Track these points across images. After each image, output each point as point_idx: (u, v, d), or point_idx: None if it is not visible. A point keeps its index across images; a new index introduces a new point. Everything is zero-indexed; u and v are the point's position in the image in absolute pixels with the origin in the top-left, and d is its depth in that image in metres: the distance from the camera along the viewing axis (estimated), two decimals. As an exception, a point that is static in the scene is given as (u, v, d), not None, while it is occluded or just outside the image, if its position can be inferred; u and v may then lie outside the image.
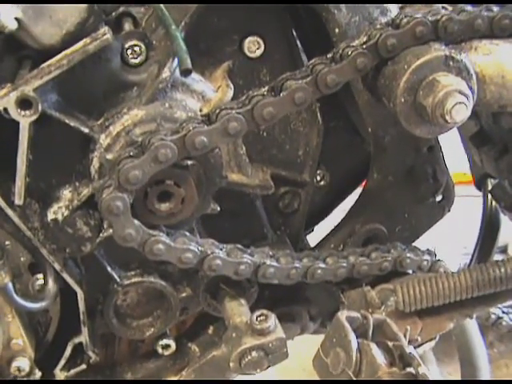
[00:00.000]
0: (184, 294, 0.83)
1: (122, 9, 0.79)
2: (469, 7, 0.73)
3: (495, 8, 0.73)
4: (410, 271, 0.87)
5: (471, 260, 1.21)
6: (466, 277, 0.81)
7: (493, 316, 0.99)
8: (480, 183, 1.15)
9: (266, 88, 0.69)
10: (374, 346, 0.71)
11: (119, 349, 0.92)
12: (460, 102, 0.65)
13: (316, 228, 0.98)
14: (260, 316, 0.75)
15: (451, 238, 1.86)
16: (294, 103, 0.68)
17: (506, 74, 0.72)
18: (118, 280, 0.80)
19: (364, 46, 0.69)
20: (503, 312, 1.00)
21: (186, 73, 0.70)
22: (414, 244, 0.90)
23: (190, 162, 0.71)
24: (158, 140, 0.67)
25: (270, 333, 0.74)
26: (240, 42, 0.79)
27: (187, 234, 0.74)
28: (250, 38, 0.79)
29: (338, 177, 0.90)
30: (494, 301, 0.85)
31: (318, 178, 0.90)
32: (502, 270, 0.81)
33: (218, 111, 0.69)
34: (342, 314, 0.74)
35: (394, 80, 0.68)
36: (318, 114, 0.83)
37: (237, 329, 0.76)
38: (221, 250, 0.75)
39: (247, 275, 0.77)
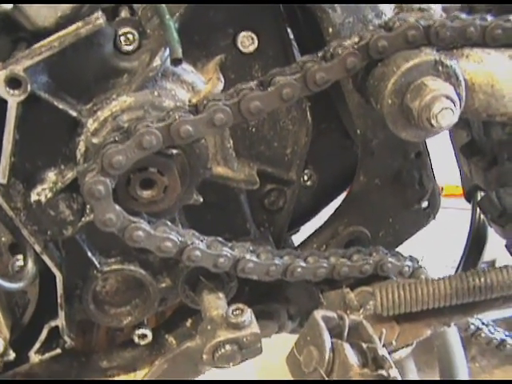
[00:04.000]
0: (163, 285, 0.83)
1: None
2: (463, 15, 0.74)
3: (489, 17, 0.73)
4: (391, 276, 0.87)
5: (456, 272, 1.21)
6: (446, 285, 0.81)
7: (472, 327, 0.98)
8: (469, 195, 1.14)
9: (255, 82, 0.69)
10: (347, 347, 0.71)
11: (97, 336, 0.92)
12: (446, 107, 0.65)
13: (304, 228, 0.98)
14: (236, 310, 0.75)
15: (442, 251, 1.86)
16: (282, 99, 0.68)
17: (495, 84, 0.72)
18: (98, 266, 0.80)
19: (355, 46, 0.69)
20: (483, 323, 1.00)
21: (176, 62, 0.70)
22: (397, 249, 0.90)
23: (174, 151, 0.71)
24: (143, 127, 0.67)
25: (244, 327, 0.74)
26: (234, 36, 0.79)
27: (169, 223, 0.74)
28: (244, 33, 0.79)
29: (326, 178, 0.90)
30: (472, 310, 0.85)
31: (306, 178, 0.90)
32: (482, 279, 0.81)
33: (205, 102, 0.69)
34: (318, 313, 0.74)
35: (382, 81, 0.68)
36: (308, 114, 0.83)
37: (212, 321, 0.75)
38: (201, 241, 0.75)
39: (226, 268, 0.77)
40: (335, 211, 0.89)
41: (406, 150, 0.85)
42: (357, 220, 0.88)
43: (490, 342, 1.00)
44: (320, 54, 0.70)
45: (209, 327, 0.75)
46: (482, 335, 0.98)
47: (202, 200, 0.75)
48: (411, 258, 0.88)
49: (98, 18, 0.69)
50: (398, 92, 0.67)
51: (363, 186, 0.86)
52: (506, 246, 1.06)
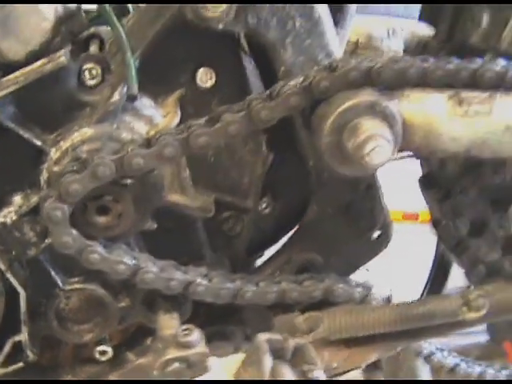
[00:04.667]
0: (123, 304, 0.88)
1: (92, 30, 0.85)
2: (406, 57, 0.79)
3: (431, 59, 0.78)
4: (342, 301, 0.91)
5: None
6: (390, 311, 0.85)
7: (425, 351, 1.02)
8: (435, 223, 1.19)
9: (205, 118, 0.75)
10: (287, 369, 0.76)
11: (63, 351, 0.97)
12: (379, 146, 0.70)
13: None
14: (185, 330, 0.79)
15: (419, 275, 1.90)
16: (228, 135, 0.73)
17: (432, 123, 0.77)
18: (61, 285, 0.85)
19: (299, 86, 0.74)
20: (437, 348, 1.04)
21: (131, 99, 0.76)
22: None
23: (129, 181, 0.76)
24: (98, 158, 0.73)
25: (192, 346, 0.78)
26: (193, 72, 0.84)
27: (124, 246, 0.80)
28: (202, 69, 0.84)
29: (284, 206, 0.95)
30: (418, 336, 0.89)
31: (264, 206, 0.95)
32: (424, 307, 0.85)
33: (157, 136, 0.74)
34: (263, 335, 0.79)
35: (323, 120, 0.73)
36: (264, 146, 0.88)
37: (164, 340, 0.80)
38: (154, 264, 0.80)
39: (178, 291, 0.82)
40: (289, 238, 0.93)
41: (356, 183, 0.89)
42: (310, 247, 0.92)
43: (442, 367, 1.04)
44: (267, 92, 0.75)
45: (160, 345, 0.80)
46: (435, 360, 1.02)
47: (156, 226, 0.80)
48: (363, 285, 0.92)
49: (61, 55, 0.75)
50: (336, 131, 0.72)
51: (316, 214, 0.91)
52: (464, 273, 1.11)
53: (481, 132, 0.78)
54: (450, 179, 0.99)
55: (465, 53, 0.90)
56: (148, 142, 0.74)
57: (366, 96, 0.73)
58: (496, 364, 1.08)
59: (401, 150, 0.79)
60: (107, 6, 0.83)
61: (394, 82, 0.75)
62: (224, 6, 0.76)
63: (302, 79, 0.75)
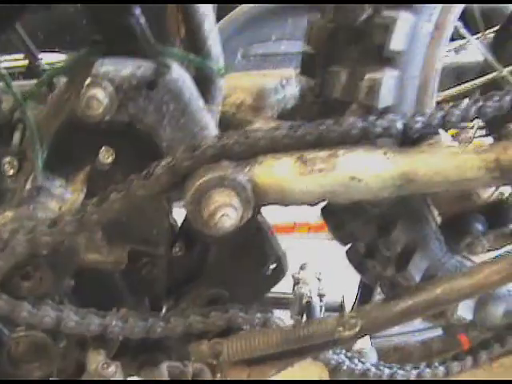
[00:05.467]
0: (62, 345, 1.11)
1: (16, 117, 1.08)
2: (259, 130, 0.98)
3: (278, 130, 0.98)
4: (244, 327, 1.12)
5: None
6: (277, 334, 1.06)
7: (332, 362, 1.21)
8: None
9: (96, 198, 0.96)
10: (184, 391, 0.98)
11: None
12: (226, 215, 0.90)
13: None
14: (104, 364, 1.02)
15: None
16: (115, 211, 0.95)
17: (283, 183, 0.96)
18: (8, 334, 1.09)
19: (167, 167, 0.94)
20: (346, 357, 1.23)
21: (39, 189, 0.98)
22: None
23: (44, 252, 0.98)
24: (14, 239, 0.95)
25: (111, 377, 1.01)
26: (96, 151, 1.05)
27: (50, 302, 1.02)
28: (104, 148, 1.05)
29: (193, 249, 1.16)
30: (307, 353, 1.09)
31: (177, 250, 1.16)
32: (306, 330, 1.05)
33: (60, 217, 0.96)
34: (165, 363, 1.01)
35: (186, 192, 0.94)
36: (165, 203, 1.09)
37: (89, 374, 1.03)
38: (76, 314, 1.03)
39: (97, 333, 1.04)
40: (198, 276, 1.15)
41: (245, 227, 1.09)
42: (215, 283, 1.13)
43: (352, 374, 1.24)
44: (144, 172, 0.96)
45: (86, 378, 1.03)
46: (344, 368, 1.22)
47: (73, 284, 1.02)
48: (263, 311, 1.13)
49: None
50: (195, 202, 0.92)
51: (216, 255, 1.12)
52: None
53: (328, 185, 0.97)
54: (337, 210, 1.18)
55: (333, 105, 1.10)
56: (54, 222, 0.96)
57: (219, 170, 0.93)
58: (407, 365, 1.27)
59: (262, 205, 1.00)
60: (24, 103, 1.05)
61: (246, 154, 0.95)
62: (105, 103, 0.97)
63: (169, 159, 0.95)
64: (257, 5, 1.74)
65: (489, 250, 1.14)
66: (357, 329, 1.05)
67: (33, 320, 1.00)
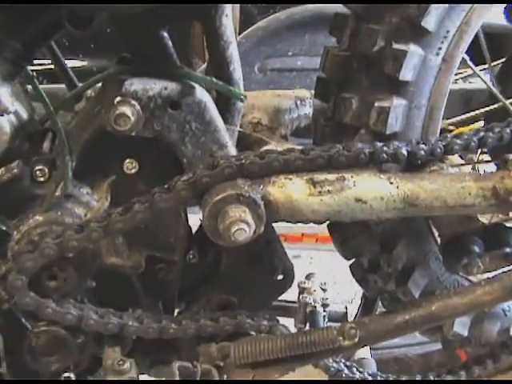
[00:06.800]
0: (79, 340, 1.25)
1: (47, 125, 1.22)
2: (273, 153, 1.12)
3: (292, 153, 1.12)
4: (251, 332, 1.26)
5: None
6: (281, 340, 1.20)
7: (332, 369, 1.35)
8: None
9: (121, 208, 1.11)
10: (195, 389, 1.12)
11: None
12: (240, 229, 1.05)
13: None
14: (120, 361, 1.17)
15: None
16: (138, 220, 1.09)
17: (293, 202, 1.10)
18: (31, 328, 1.24)
19: (187, 182, 1.09)
20: (345, 365, 1.37)
21: (67, 196, 1.12)
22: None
23: (70, 255, 1.13)
24: (44, 242, 1.10)
25: (125, 373, 1.16)
26: (121, 162, 1.20)
27: (72, 301, 1.17)
28: (128, 160, 1.20)
29: (205, 257, 1.31)
30: (309, 359, 1.23)
31: (191, 257, 1.30)
32: (308, 337, 1.19)
33: (87, 223, 1.11)
34: (176, 363, 1.15)
35: (204, 207, 1.08)
36: (183, 213, 1.24)
37: (105, 369, 1.18)
38: (96, 313, 1.17)
39: (115, 331, 1.18)
40: (209, 282, 1.29)
41: (257, 239, 1.23)
42: (225, 290, 1.28)
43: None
44: (166, 186, 1.10)
45: (102, 373, 1.17)
46: (343, 375, 1.36)
47: (94, 285, 1.17)
48: (269, 318, 1.27)
49: (14, 167, 1.12)
50: (212, 217, 1.06)
51: (228, 264, 1.26)
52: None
53: (335, 205, 1.11)
54: (343, 226, 1.32)
55: (343, 129, 1.24)
56: (81, 228, 1.11)
57: (235, 188, 1.07)
58: (403, 376, 1.41)
59: (272, 221, 1.14)
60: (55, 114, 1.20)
61: (260, 173, 1.09)
62: (132, 120, 1.11)
63: (190, 175, 1.09)
64: (275, 20, 1.89)
65: (486, 271, 1.28)
66: (356, 339, 1.19)
67: (56, 317, 1.15)
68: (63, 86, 1.46)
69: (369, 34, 1.17)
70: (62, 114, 1.29)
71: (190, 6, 1.12)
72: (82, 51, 1.74)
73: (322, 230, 1.37)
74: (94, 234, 1.09)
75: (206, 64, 1.21)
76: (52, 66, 1.45)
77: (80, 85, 1.36)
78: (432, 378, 1.41)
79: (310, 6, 1.87)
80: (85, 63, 1.90)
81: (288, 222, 1.13)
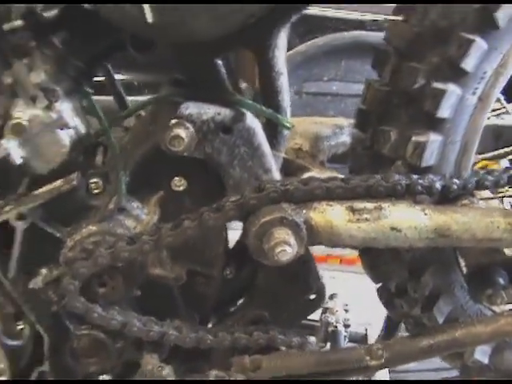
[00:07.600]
0: (119, 345, 1.36)
1: (101, 139, 1.34)
2: (315, 181, 1.23)
3: (334, 181, 1.23)
4: (282, 347, 1.37)
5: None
6: (311, 357, 1.31)
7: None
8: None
9: (171, 224, 1.22)
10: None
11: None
12: (284, 250, 1.16)
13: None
14: (159, 367, 1.28)
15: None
16: (186, 236, 1.20)
17: (333, 227, 1.22)
18: (73, 331, 1.35)
19: (236, 203, 1.20)
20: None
21: (120, 209, 1.24)
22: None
23: (120, 264, 1.24)
24: (98, 251, 1.21)
25: (165, 378, 1.27)
26: (169, 180, 1.31)
27: (117, 308, 1.28)
28: (176, 178, 1.31)
29: (241, 274, 1.42)
30: (334, 377, 1.34)
31: (228, 272, 1.41)
32: (337, 355, 1.30)
33: (138, 235, 1.22)
34: (213, 372, 1.26)
35: (250, 227, 1.19)
36: (224, 233, 1.35)
37: (144, 374, 1.29)
38: (139, 321, 1.29)
39: (156, 339, 1.29)
40: (244, 298, 1.40)
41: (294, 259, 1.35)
42: (259, 305, 1.39)
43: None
44: (215, 205, 1.22)
45: (140, 377, 1.29)
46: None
47: (139, 294, 1.28)
48: (299, 334, 1.38)
49: (73, 179, 1.24)
50: (258, 237, 1.18)
51: (263, 281, 1.37)
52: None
53: (371, 233, 1.22)
54: (375, 251, 1.43)
55: (380, 159, 1.35)
56: (133, 240, 1.22)
57: (280, 211, 1.18)
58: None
59: (312, 244, 1.25)
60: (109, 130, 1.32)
61: (303, 199, 1.21)
62: (186, 141, 1.23)
63: (238, 197, 1.21)
64: (313, 46, 2.00)
65: (509, 303, 1.38)
66: (383, 360, 1.30)
67: (102, 322, 1.26)
68: (110, 98, 1.57)
69: (410, 72, 1.28)
70: (114, 129, 1.41)
71: (246, 38, 1.23)
72: (131, 66, 1.83)
73: (346, 252, 1.48)
74: (146, 247, 1.20)
75: (254, 91, 1.32)
76: (99, 78, 1.55)
77: (128, 98, 1.48)
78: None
79: (347, 34, 1.99)
80: (130, 76, 2.01)
81: (326, 245, 1.25)
